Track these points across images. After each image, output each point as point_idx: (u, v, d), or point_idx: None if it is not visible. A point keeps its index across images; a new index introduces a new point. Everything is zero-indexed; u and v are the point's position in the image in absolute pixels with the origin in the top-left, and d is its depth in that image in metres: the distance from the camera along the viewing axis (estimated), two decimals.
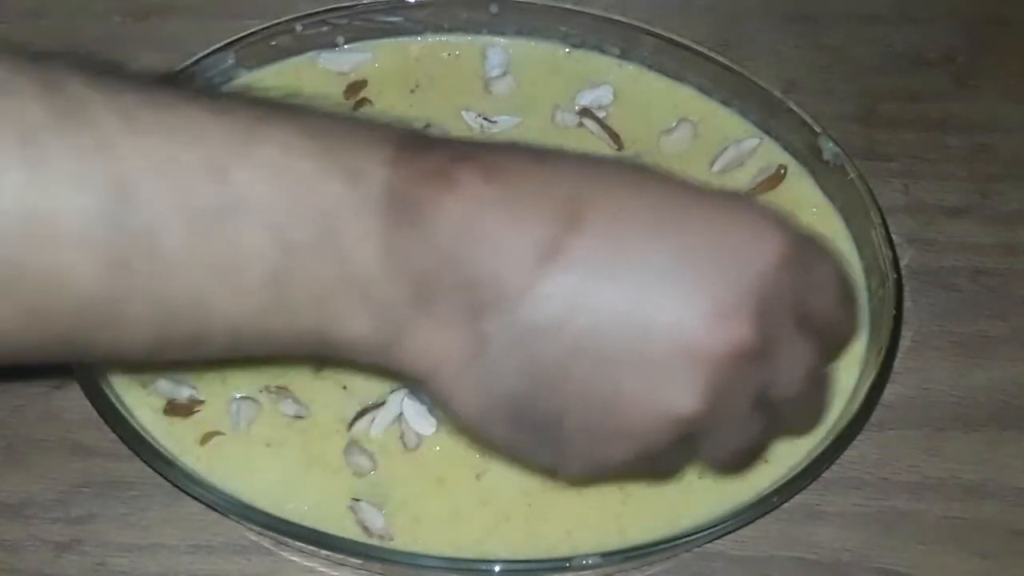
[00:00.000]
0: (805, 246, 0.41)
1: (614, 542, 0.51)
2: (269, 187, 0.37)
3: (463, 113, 0.63)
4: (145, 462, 0.51)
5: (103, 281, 0.36)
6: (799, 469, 0.51)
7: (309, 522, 0.50)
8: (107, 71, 0.38)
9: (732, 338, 0.38)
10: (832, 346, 0.44)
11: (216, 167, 0.37)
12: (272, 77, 0.64)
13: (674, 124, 0.63)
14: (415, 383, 0.41)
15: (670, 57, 0.64)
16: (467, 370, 0.39)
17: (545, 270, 0.38)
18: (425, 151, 0.39)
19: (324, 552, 0.50)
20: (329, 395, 0.54)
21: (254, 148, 0.37)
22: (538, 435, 0.41)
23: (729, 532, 0.52)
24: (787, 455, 0.53)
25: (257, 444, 0.53)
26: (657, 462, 0.42)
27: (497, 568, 0.49)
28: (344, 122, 0.40)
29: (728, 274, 0.39)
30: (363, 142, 0.39)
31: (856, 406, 0.53)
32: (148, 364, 0.46)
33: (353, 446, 0.53)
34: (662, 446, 0.40)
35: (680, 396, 0.39)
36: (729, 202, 0.41)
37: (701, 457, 0.45)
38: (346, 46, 0.65)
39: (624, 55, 0.65)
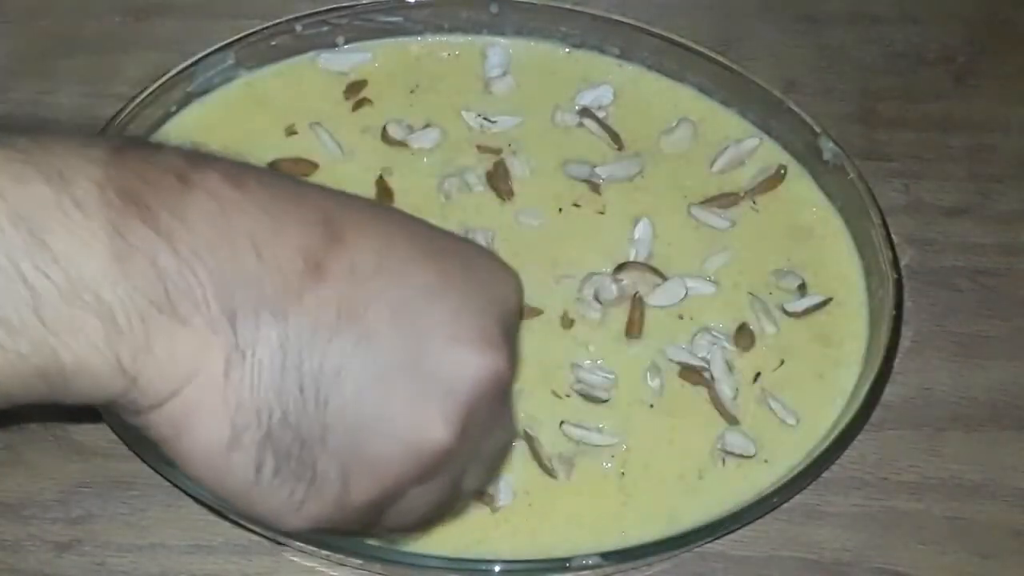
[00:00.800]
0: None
1: (614, 542, 0.51)
2: None
3: (463, 113, 0.63)
4: (145, 462, 0.51)
5: None
6: (799, 469, 0.52)
7: None
8: None
9: (498, 364, 0.38)
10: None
11: None
12: (272, 77, 0.64)
13: (674, 124, 0.63)
14: (144, 411, 0.37)
15: (670, 57, 0.64)
16: (222, 382, 0.36)
17: (313, 281, 0.36)
18: (150, 153, 0.36)
19: (324, 552, 0.50)
20: None
21: None
22: (288, 462, 0.37)
23: (729, 532, 0.52)
24: (787, 455, 0.53)
25: None
26: (387, 511, 0.40)
27: (497, 568, 0.49)
28: (55, 135, 0.35)
29: (485, 303, 0.39)
30: (72, 146, 0.35)
31: (856, 406, 0.53)
32: None
33: None
34: (405, 480, 0.38)
35: (441, 426, 0.37)
36: (471, 243, 0.43)
37: (395, 515, 0.41)
38: (346, 46, 0.65)
39: (624, 55, 0.65)
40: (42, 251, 0.33)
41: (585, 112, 0.63)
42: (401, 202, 0.60)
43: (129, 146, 0.36)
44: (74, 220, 0.34)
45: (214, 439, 0.36)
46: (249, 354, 0.35)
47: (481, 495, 0.51)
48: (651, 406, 0.55)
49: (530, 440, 0.53)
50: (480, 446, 0.40)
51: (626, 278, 0.58)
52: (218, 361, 0.35)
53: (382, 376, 0.37)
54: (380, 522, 0.41)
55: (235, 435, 0.36)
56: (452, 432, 0.37)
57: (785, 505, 0.52)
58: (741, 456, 0.53)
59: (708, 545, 0.53)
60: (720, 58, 0.63)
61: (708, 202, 0.61)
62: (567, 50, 0.66)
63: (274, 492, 0.38)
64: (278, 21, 0.64)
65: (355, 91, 0.64)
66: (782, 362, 0.56)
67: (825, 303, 0.58)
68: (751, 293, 0.58)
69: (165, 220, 0.34)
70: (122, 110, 0.59)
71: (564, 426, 0.54)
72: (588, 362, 0.56)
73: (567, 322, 0.57)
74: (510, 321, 0.40)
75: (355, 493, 0.38)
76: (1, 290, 0.33)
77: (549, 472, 0.53)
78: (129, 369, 0.35)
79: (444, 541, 0.51)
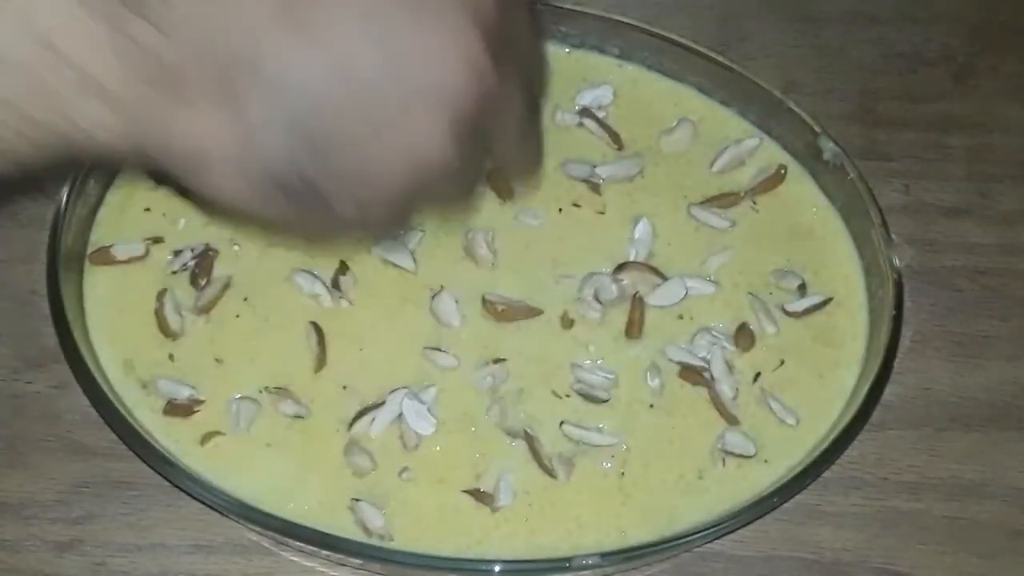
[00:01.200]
0: None
1: (614, 542, 0.51)
2: None
3: None
4: (145, 462, 0.51)
5: None
6: (799, 469, 0.52)
7: (309, 522, 0.50)
8: None
9: (477, 75, 0.40)
10: (531, 76, 0.46)
11: None
12: None
13: (674, 124, 0.63)
14: (183, 173, 0.41)
15: (670, 57, 0.64)
16: (231, 146, 0.40)
17: (286, 27, 0.38)
18: None
19: (324, 552, 0.50)
20: (329, 395, 0.54)
21: None
22: (305, 199, 0.41)
23: (729, 532, 0.52)
24: (786, 455, 0.53)
25: (257, 444, 0.53)
26: (407, 210, 0.45)
27: (497, 568, 0.49)
28: None
29: (460, 16, 0.40)
30: None
31: (856, 406, 0.53)
32: None
33: (353, 446, 0.53)
34: (414, 191, 0.42)
35: (431, 140, 0.41)
36: None
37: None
38: None
39: (624, 55, 0.65)
40: (50, 51, 0.37)
41: (585, 112, 0.63)
42: None
43: None
44: (80, 22, 0.36)
45: (236, 187, 0.41)
46: (250, 118, 0.39)
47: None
48: (651, 406, 0.55)
49: (530, 440, 0.53)
50: (480, 136, 0.42)
51: (626, 278, 0.58)
52: (222, 134, 0.39)
53: (369, 116, 0.40)
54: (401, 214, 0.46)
55: (251, 182, 0.41)
56: (443, 144, 0.41)
57: (785, 505, 0.52)
58: (741, 456, 0.53)
59: (708, 545, 0.53)
60: (720, 58, 0.63)
61: (708, 202, 0.61)
62: (567, 50, 0.66)
63: (303, 218, 0.43)
64: None
65: None
66: (782, 362, 0.56)
67: (825, 303, 0.58)
68: (751, 293, 0.58)
69: (155, 8, 0.37)
70: None
71: (564, 426, 0.54)
72: (588, 362, 0.56)
73: (567, 322, 0.57)
74: (486, 13, 0.40)
75: (370, 206, 0.43)
76: (27, 89, 0.37)
77: (549, 472, 0.53)
78: (145, 146, 0.39)
79: (444, 541, 0.51)
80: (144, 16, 0.37)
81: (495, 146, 0.45)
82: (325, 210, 0.42)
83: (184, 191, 0.43)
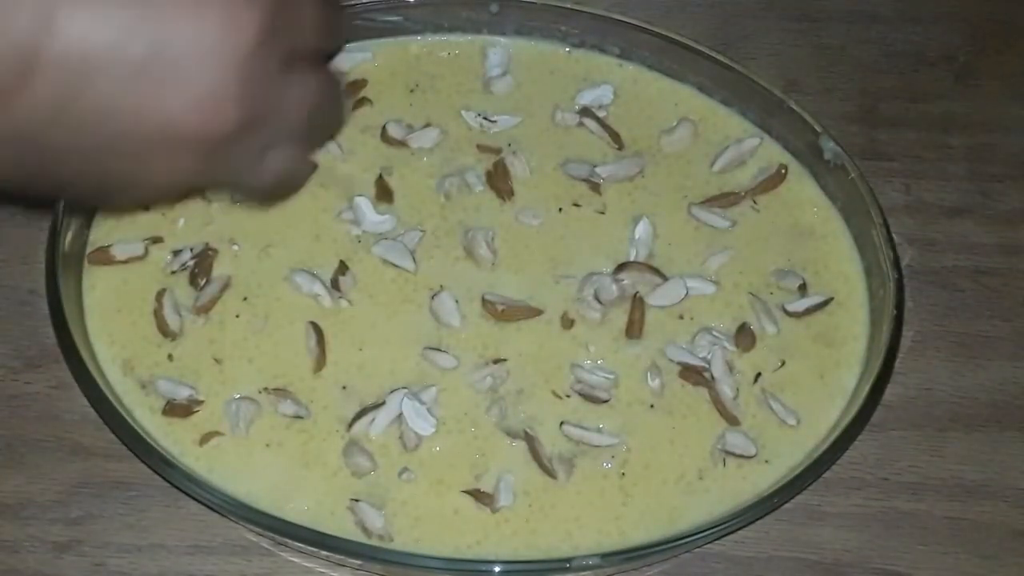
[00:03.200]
0: None
1: (614, 542, 0.51)
2: None
3: (463, 112, 0.63)
4: (144, 463, 0.51)
5: None
6: (799, 469, 0.52)
7: (308, 522, 0.50)
8: None
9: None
10: (322, 43, 0.45)
11: None
12: None
13: (674, 124, 0.63)
14: None
15: (670, 57, 0.64)
16: None
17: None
18: None
19: (324, 552, 0.50)
20: (329, 395, 0.54)
21: None
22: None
23: (729, 532, 0.52)
24: (787, 455, 0.53)
25: (257, 444, 0.53)
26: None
27: (497, 568, 0.49)
28: None
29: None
30: None
31: (857, 406, 0.53)
32: None
33: (353, 446, 0.53)
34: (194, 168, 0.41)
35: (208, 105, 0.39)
36: None
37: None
38: (346, 45, 0.65)
39: (624, 55, 0.65)
40: None
41: (585, 112, 0.63)
42: (401, 202, 0.60)
43: None
44: None
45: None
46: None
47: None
48: (651, 406, 0.55)
49: (530, 440, 0.53)
50: (281, 112, 0.41)
51: (626, 278, 0.58)
52: None
53: (135, 78, 0.37)
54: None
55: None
56: (232, 111, 0.39)
57: (786, 505, 0.52)
58: (741, 456, 0.53)
59: (708, 545, 0.53)
60: (720, 58, 0.63)
61: (708, 202, 0.61)
62: (567, 50, 0.66)
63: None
64: None
65: (355, 90, 0.64)
66: (783, 362, 0.56)
67: (826, 303, 0.58)
68: (752, 293, 0.58)
69: None
70: None
71: (564, 426, 0.54)
72: (588, 362, 0.56)
73: (567, 322, 0.57)
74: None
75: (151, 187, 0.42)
76: None
77: (549, 472, 0.53)
78: None
79: (444, 541, 0.51)
80: None
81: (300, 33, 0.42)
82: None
83: None
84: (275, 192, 0.49)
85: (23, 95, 0.37)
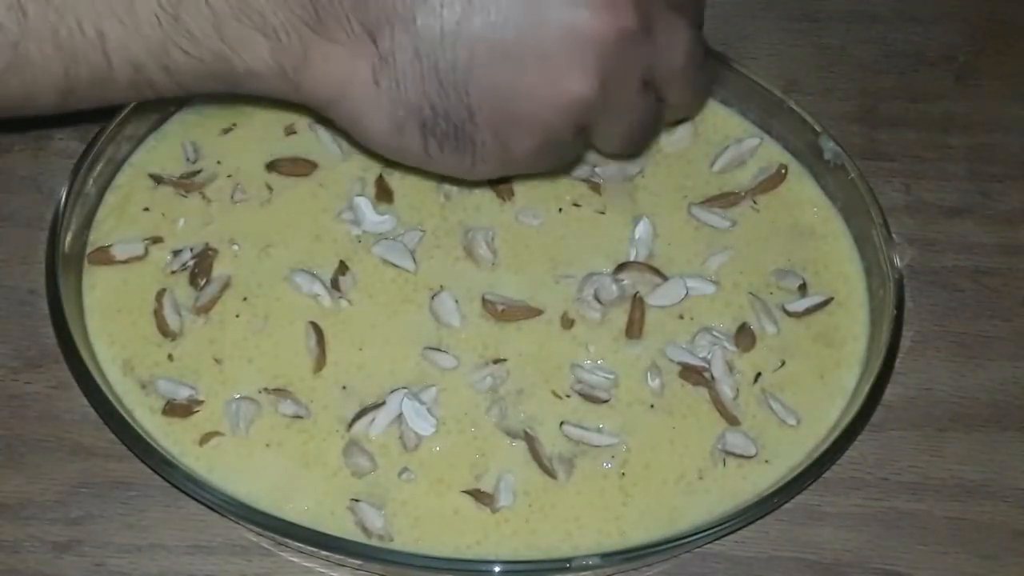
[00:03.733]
0: None
1: (614, 542, 0.51)
2: None
3: None
4: (144, 463, 0.51)
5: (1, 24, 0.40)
6: (799, 469, 0.52)
7: (308, 523, 0.50)
8: None
9: (619, 20, 0.43)
10: (697, 14, 0.50)
11: None
12: None
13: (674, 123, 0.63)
14: (324, 108, 0.46)
15: None
16: (374, 89, 0.44)
17: None
18: None
19: (324, 552, 0.50)
20: (329, 395, 0.54)
21: None
22: (449, 141, 0.45)
23: (729, 532, 0.52)
24: (787, 455, 0.53)
25: (257, 444, 0.53)
26: (559, 150, 0.48)
27: (497, 568, 0.49)
28: None
29: None
30: None
31: (857, 406, 0.53)
32: (65, 110, 0.47)
33: (352, 446, 0.53)
34: (563, 133, 0.46)
35: (576, 79, 0.44)
36: None
37: (597, 142, 0.50)
38: None
39: None
40: None
41: None
42: (401, 202, 0.60)
43: None
44: None
45: (382, 130, 0.46)
46: (391, 62, 0.43)
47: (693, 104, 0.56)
48: (651, 406, 0.55)
49: (530, 440, 0.53)
50: (664, 42, 0.46)
51: (626, 278, 0.58)
52: (366, 70, 0.44)
53: (508, 53, 0.43)
54: (583, 147, 0.51)
55: (396, 126, 0.45)
56: (587, 79, 0.44)
57: (786, 505, 0.52)
58: (741, 456, 0.53)
59: (708, 545, 0.53)
60: (720, 58, 0.63)
61: (708, 202, 0.61)
62: None
63: (447, 160, 0.47)
64: None
65: None
66: (783, 362, 0.56)
67: (826, 303, 0.58)
68: (752, 293, 0.58)
69: None
70: (120, 108, 0.59)
71: (564, 426, 0.54)
72: (588, 362, 0.56)
73: (567, 322, 0.57)
74: None
75: (516, 150, 0.46)
76: (189, 9, 0.42)
77: (549, 472, 0.53)
78: (292, 77, 0.44)
79: (444, 542, 0.51)
80: None
81: (664, 87, 0.48)
82: (470, 150, 0.45)
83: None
84: (645, 133, 0.52)
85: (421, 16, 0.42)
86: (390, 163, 0.61)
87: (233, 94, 0.47)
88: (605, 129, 0.48)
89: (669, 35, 0.47)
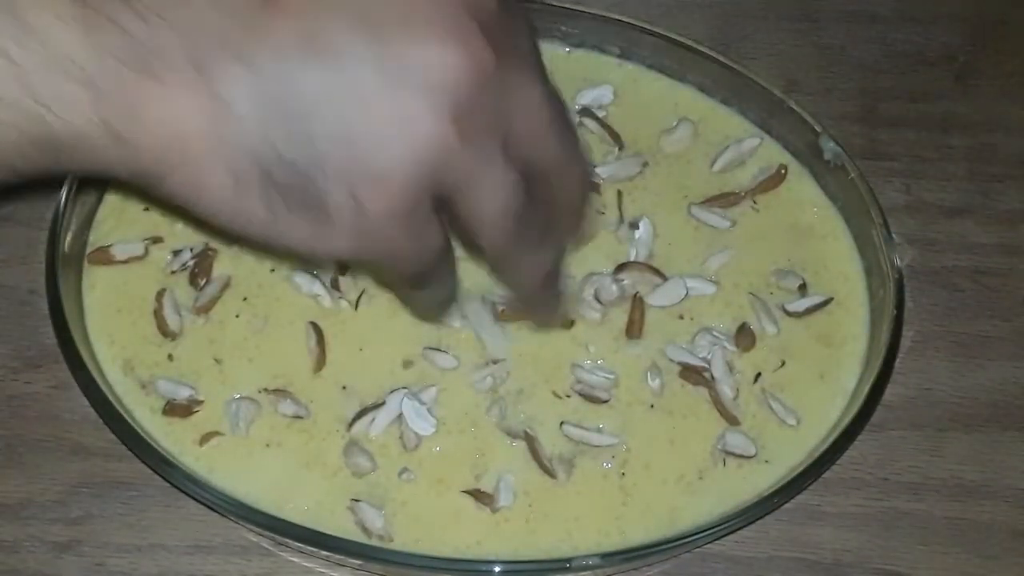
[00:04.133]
0: None
1: (614, 542, 0.51)
2: None
3: None
4: (144, 462, 0.51)
5: None
6: (799, 469, 0.51)
7: (308, 522, 0.50)
8: None
9: (473, 56, 0.38)
10: (542, 71, 0.44)
11: None
12: None
13: (674, 124, 0.63)
14: (163, 178, 0.39)
15: (670, 57, 0.64)
16: (212, 139, 0.38)
17: (269, 15, 0.37)
18: None
19: (324, 552, 0.50)
20: (329, 395, 0.54)
21: None
22: (295, 196, 0.39)
23: (729, 532, 0.52)
24: (787, 455, 0.53)
25: (256, 444, 0.53)
26: (417, 224, 0.41)
27: (497, 568, 0.49)
28: None
29: (456, 4, 0.39)
30: None
31: (857, 406, 0.53)
32: None
33: (352, 446, 0.53)
34: (420, 191, 0.39)
35: (426, 116, 0.38)
36: None
37: (467, 236, 0.43)
38: None
39: (624, 55, 0.65)
40: (21, 27, 0.36)
41: (585, 112, 0.63)
42: None
43: None
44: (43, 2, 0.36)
45: (224, 189, 0.39)
46: (228, 106, 0.37)
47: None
48: (651, 406, 0.55)
49: (530, 440, 0.53)
50: (495, 130, 0.40)
51: (626, 278, 0.58)
52: (201, 119, 0.37)
53: (358, 93, 0.38)
54: (442, 238, 0.43)
55: (238, 181, 0.38)
56: (441, 122, 0.38)
57: (786, 505, 0.52)
58: (741, 456, 0.53)
59: (708, 545, 0.53)
60: (720, 58, 0.63)
61: (708, 202, 0.61)
62: (567, 50, 0.66)
63: (295, 225, 0.40)
64: None
65: None
66: (783, 362, 0.56)
67: (826, 303, 0.58)
68: (752, 293, 0.58)
69: None
70: None
71: (564, 426, 0.54)
72: (588, 362, 0.56)
73: (567, 322, 0.57)
74: (485, 9, 0.39)
75: (372, 211, 0.39)
76: None
77: (549, 472, 0.53)
78: (122, 133, 0.37)
79: (444, 541, 0.51)
80: None
81: (519, 142, 0.42)
82: (320, 212, 0.39)
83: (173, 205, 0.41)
84: (529, 241, 0.45)
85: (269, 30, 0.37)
86: None
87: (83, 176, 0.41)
88: (472, 207, 0.41)
89: (527, 89, 0.42)
